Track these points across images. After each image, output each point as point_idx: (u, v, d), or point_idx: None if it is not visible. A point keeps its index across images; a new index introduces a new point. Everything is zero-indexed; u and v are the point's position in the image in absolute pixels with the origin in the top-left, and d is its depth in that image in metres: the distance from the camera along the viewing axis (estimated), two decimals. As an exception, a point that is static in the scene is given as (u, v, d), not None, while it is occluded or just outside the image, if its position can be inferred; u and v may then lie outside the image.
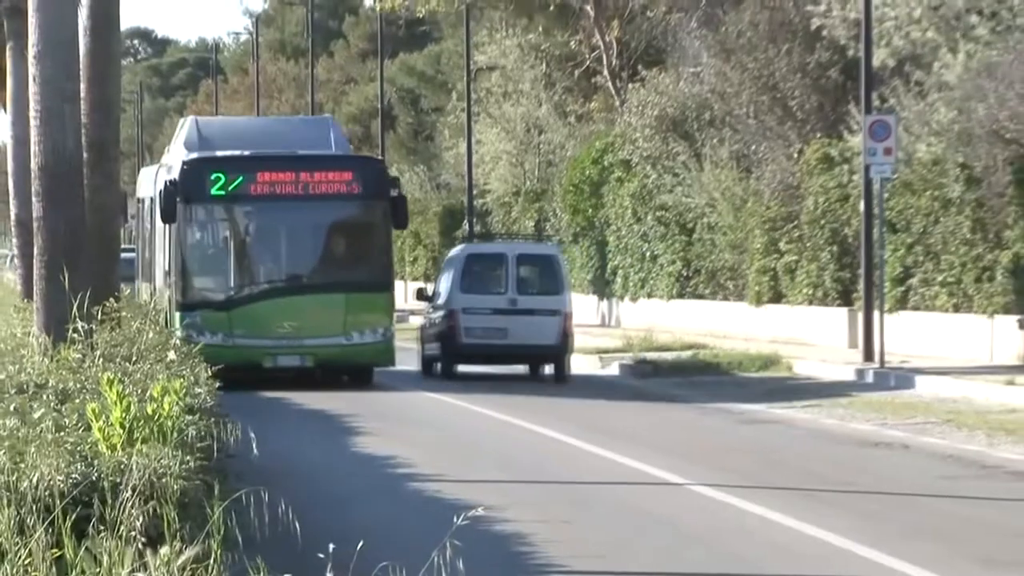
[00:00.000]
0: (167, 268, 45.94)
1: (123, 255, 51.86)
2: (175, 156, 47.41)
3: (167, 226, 43.96)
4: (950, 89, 52.69)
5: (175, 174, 43.39)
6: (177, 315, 42.94)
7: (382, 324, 43.74)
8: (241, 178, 42.59)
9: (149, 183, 53.18)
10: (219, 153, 44.26)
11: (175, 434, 15.22)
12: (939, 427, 34.78)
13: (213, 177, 42.19)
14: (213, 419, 18.79)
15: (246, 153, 44.14)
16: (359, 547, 9.06)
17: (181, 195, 42.16)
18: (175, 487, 12.59)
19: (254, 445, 22.09)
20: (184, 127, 48.97)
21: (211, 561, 10.68)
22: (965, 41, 53.66)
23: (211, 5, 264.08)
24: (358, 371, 45.64)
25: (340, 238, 45.95)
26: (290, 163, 43.55)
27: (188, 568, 10.04)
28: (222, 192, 42.79)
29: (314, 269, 44.92)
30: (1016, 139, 48.11)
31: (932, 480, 28.18)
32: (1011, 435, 32.95)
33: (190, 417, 16.56)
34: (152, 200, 51.76)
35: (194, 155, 43.83)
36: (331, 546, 8.91)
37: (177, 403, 16.05)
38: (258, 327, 42.88)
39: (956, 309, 49.84)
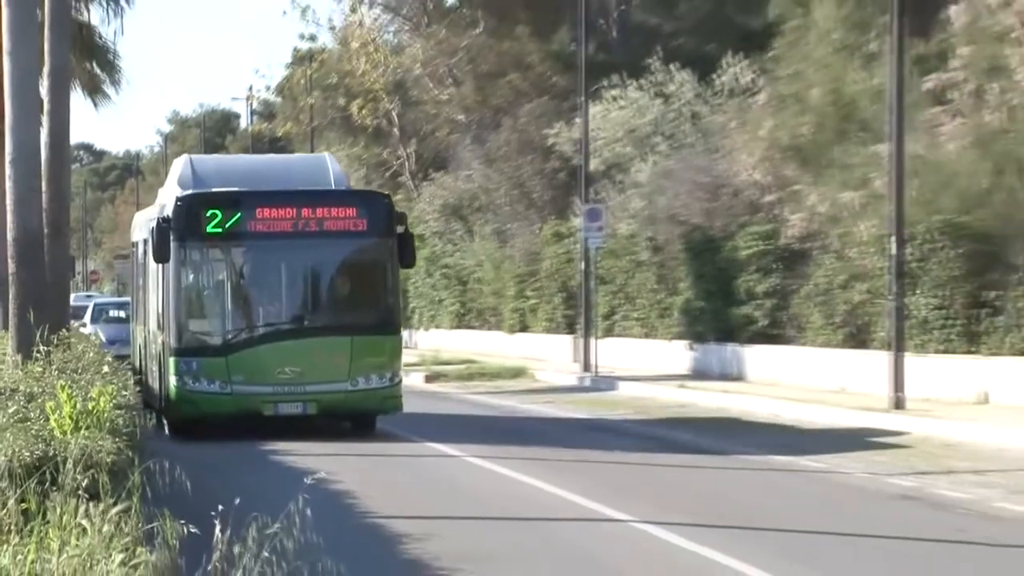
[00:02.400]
0: (160, 311, 32.48)
1: (73, 302, 47.48)
2: (168, 194, 33.70)
3: (160, 267, 31.48)
4: (641, 186, 52.89)
5: (169, 211, 31.09)
6: (171, 362, 30.23)
7: (390, 369, 30.45)
8: (239, 215, 30.07)
9: (143, 226, 37.74)
10: (215, 189, 31.70)
11: (108, 423, 15.14)
12: (633, 415, 34.90)
13: (209, 214, 30.00)
14: (135, 413, 18.48)
15: (243, 189, 31.47)
16: (236, 502, 8.86)
17: (175, 233, 30.07)
18: (108, 460, 12.61)
19: (167, 429, 21.92)
20: (178, 166, 34.71)
21: (131, 511, 10.43)
22: (651, 154, 53.90)
23: (134, 127, 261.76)
24: (362, 417, 31.40)
25: (344, 278, 31.90)
26: (290, 199, 30.77)
27: (117, 516, 9.89)
28: (218, 230, 30.25)
29: (317, 311, 31.20)
30: (685, 220, 48.31)
31: (620, 448, 28.70)
32: (676, 421, 33.24)
33: (119, 411, 16.31)
34: (145, 242, 36.28)
35: (188, 192, 31.62)
36: (219, 507, 8.74)
37: (109, 402, 15.93)
38: (258, 373, 29.78)
39: (646, 336, 50.06)
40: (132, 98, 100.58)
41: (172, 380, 29.38)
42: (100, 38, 47.59)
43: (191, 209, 29.76)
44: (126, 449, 14.15)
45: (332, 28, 75.70)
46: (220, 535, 8.39)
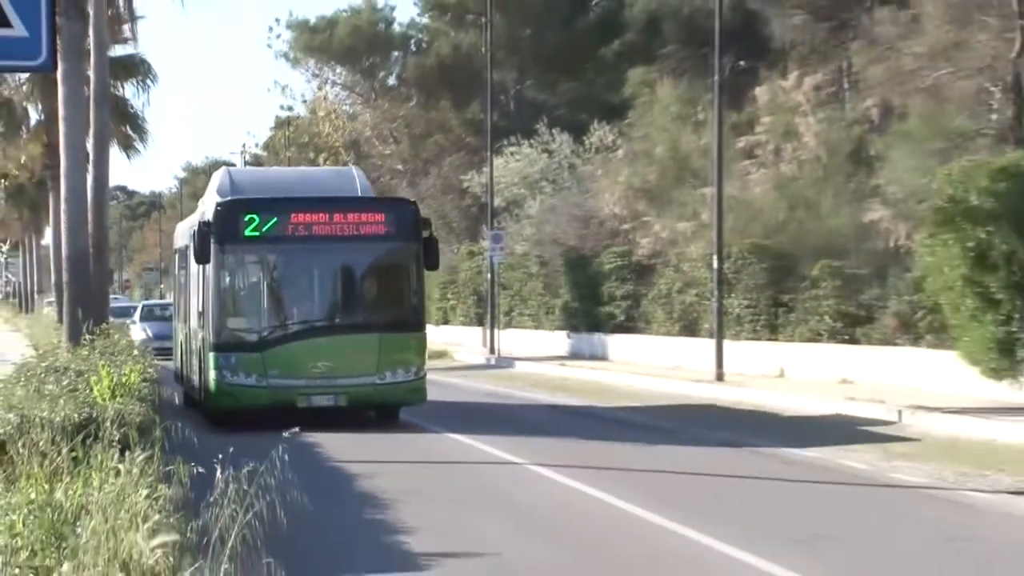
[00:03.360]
0: (201, 310, 26.86)
1: (112, 304, 46.57)
2: (209, 202, 27.97)
3: (201, 268, 26.25)
4: (532, 218, 52.97)
5: (209, 216, 26.04)
6: (211, 356, 25.07)
7: (415, 364, 25.24)
8: (275, 219, 25.17)
9: (184, 234, 32.00)
10: (253, 196, 26.46)
11: (136, 392, 15.04)
12: (525, 387, 34.76)
13: (247, 218, 25.17)
14: (157, 384, 18.63)
15: (279, 196, 26.40)
16: (230, 451, 8.82)
17: (215, 236, 25.16)
18: (136, 420, 12.52)
19: (176, 398, 20.95)
20: (217, 178, 29.16)
21: (154, 458, 10.44)
22: (539, 194, 54.00)
23: (157, 172, 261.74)
24: (386, 409, 25.82)
25: (373, 279, 26.54)
26: (323, 205, 25.70)
27: (143, 462, 9.88)
28: (256, 233, 25.24)
29: (347, 310, 25.66)
30: (564, 243, 48.47)
31: (516, 411, 28.12)
32: (559, 390, 33.02)
33: (144, 384, 16.22)
34: (186, 248, 29.97)
35: (228, 198, 26.33)
36: (219, 456, 8.71)
37: (139, 377, 15.86)
38: (292, 368, 24.75)
39: (536, 328, 50.04)
40: (155, 151, 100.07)
41: (212, 374, 24.34)
42: (131, 108, 47.87)
43: (230, 214, 24.75)
44: (150, 411, 14.09)
45: (304, 101, 75.30)
46: (220, 475, 8.36)
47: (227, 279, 24.79)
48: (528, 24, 63.90)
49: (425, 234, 24.88)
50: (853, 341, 32.56)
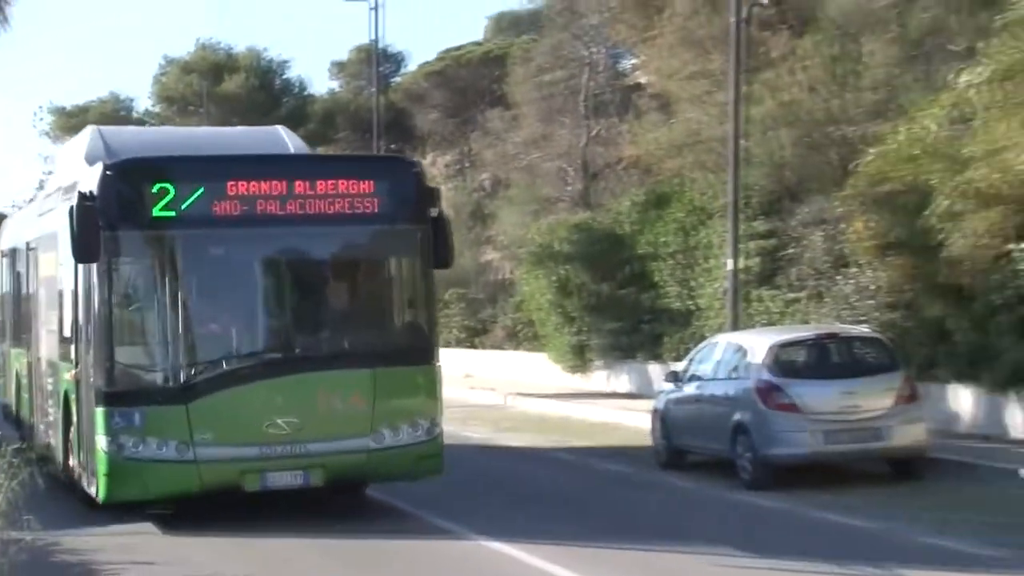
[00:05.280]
0: (72, 334, 11.28)
1: None
2: (80, 173, 11.60)
3: (75, 272, 10.93)
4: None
5: (93, 186, 10.19)
6: (99, 414, 10.22)
7: (426, 415, 10.72)
8: (200, 190, 10.16)
9: (19, 230, 16.20)
10: (162, 154, 11.03)
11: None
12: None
13: (156, 189, 10.04)
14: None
15: (206, 154, 11.27)
16: None
17: (105, 218, 10.01)
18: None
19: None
20: (82, 142, 12.79)
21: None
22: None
23: None
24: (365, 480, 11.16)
25: (358, 283, 11.28)
26: (278, 167, 10.72)
27: None
28: (170, 213, 10.06)
29: (320, 332, 10.85)
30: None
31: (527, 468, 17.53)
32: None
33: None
34: (28, 248, 14.63)
35: (121, 159, 10.68)
36: None
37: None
38: (236, 428, 10.15)
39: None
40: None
41: (101, 442, 10.85)
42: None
43: (128, 181, 10.95)
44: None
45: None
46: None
47: (124, 287, 11.08)
48: (236, 114, 62.64)
49: (433, 212, 11.47)
50: (474, 346, 32.99)
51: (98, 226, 10.55)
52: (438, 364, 11.41)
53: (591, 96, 31.13)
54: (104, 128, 13.71)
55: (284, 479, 10.97)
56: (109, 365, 10.74)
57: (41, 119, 70.80)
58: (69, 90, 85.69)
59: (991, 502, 11.64)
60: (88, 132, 13.33)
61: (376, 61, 31.91)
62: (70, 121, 69.81)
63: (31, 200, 22.04)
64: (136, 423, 10.64)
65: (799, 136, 19.38)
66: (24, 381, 15.25)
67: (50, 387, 13.16)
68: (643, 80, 29.32)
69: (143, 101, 69.00)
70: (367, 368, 11.00)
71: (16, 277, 16.32)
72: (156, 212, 10.69)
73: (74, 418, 11.71)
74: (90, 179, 11.03)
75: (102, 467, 10.70)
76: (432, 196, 11.51)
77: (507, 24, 43.44)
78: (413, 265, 11.59)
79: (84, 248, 10.61)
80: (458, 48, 43.79)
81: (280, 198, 10.97)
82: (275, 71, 55.53)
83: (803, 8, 20.63)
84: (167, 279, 11.01)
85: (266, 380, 10.88)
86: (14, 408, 16.34)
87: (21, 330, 15.56)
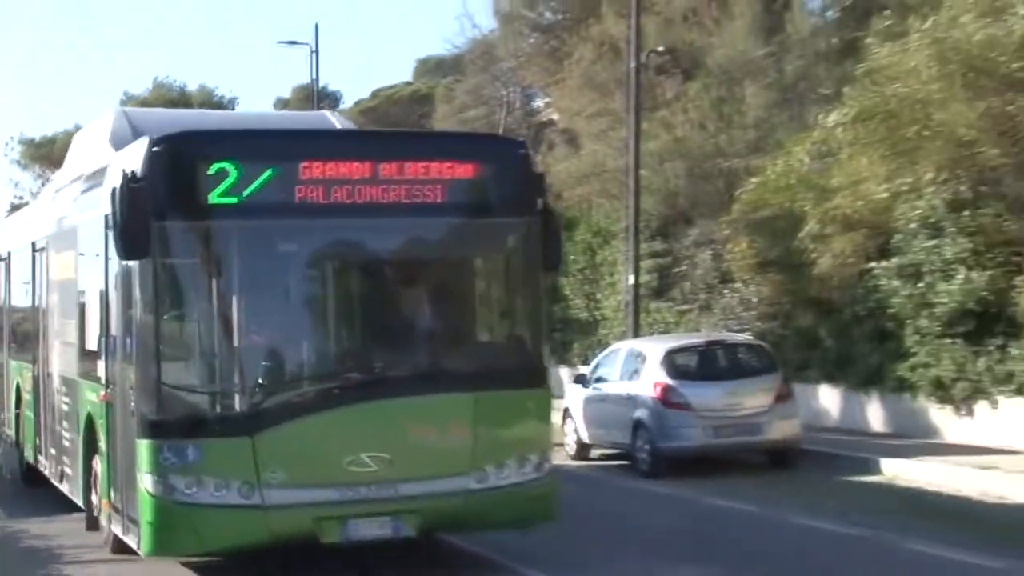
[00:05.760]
0: (102, 347, 7.79)
1: None
2: (103, 158, 8.30)
3: (108, 272, 7.47)
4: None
5: (138, 166, 6.44)
6: (146, 447, 6.57)
7: (535, 449, 7.09)
8: (269, 171, 6.39)
9: (18, 231, 12.66)
10: (225, 128, 8.15)
11: None
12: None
13: (214, 170, 6.28)
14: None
15: (275, 127, 8.50)
16: None
17: (152, 205, 6.32)
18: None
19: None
20: (106, 125, 9.07)
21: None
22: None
23: None
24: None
25: (457, 289, 7.45)
26: (363, 145, 7.03)
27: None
28: (232, 199, 6.35)
29: (415, 348, 7.11)
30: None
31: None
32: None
33: None
34: (34, 249, 11.19)
35: (171, 134, 6.61)
36: None
37: None
38: (313, 464, 6.50)
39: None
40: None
41: (147, 482, 7.17)
42: None
43: (182, 160, 7.08)
44: None
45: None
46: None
47: (176, 291, 7.55)
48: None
49: (540, 203, 8.17)
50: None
51: (147, 213, 7.08)
52: (549, 388, 8.21)
53: (507, 131, 31.86)
54: (130, 109, 10.81)
55: (370, 528, 7.49)
56: (158, 387, 7.19)
57: (12, 148, 70.67)
58: (37, 121, 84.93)
59: (852, 488, 12.04)
60: (111, 114, 9.97)
61: (316, 99, 32.20)
62: (39, 151, 69.79)
63: (11, 210, 16.92)
64: (191, 459, 7.14)
65: (689, 167, 20.12)
66: (28, 397, 12.00)
67: (65, 407, 9.90)
68: (553, 117, 30.01)
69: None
70: (468, 392, 7.59)
71: (16, 283, 13.03)
72: (215, 198, 7.17)
73: (101, 446, 8.47)
74: (130, 159, 7.55)
75: (147, 513, 7.30)
76: (541, 184, 8.15)
77: (433, 66, 44.12)
78: (521, 266, 8.02)
79: (131, 241, 7.13)
80: (390, 87, 44.36)
81: (367, 183, 7.43)
82: (225, 107, 55.56)
83: (692, 56, 21.41)
84: (229, 281, 7.43)
85: (349, 406, 7.40)
86: (12, 429, 13.09)
87: (24, 340, 12.42)
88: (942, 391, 14.22)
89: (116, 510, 8.16)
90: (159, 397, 7.13)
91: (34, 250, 11.62)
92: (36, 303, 11.67)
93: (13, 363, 13.10)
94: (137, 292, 7.41)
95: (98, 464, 8.68)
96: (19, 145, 70.24)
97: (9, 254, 13.44)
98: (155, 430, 7.14)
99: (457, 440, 7.53)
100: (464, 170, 7.64)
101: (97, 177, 8.72)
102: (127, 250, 7.17)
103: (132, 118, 9.58)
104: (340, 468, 7.25)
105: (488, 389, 7.58)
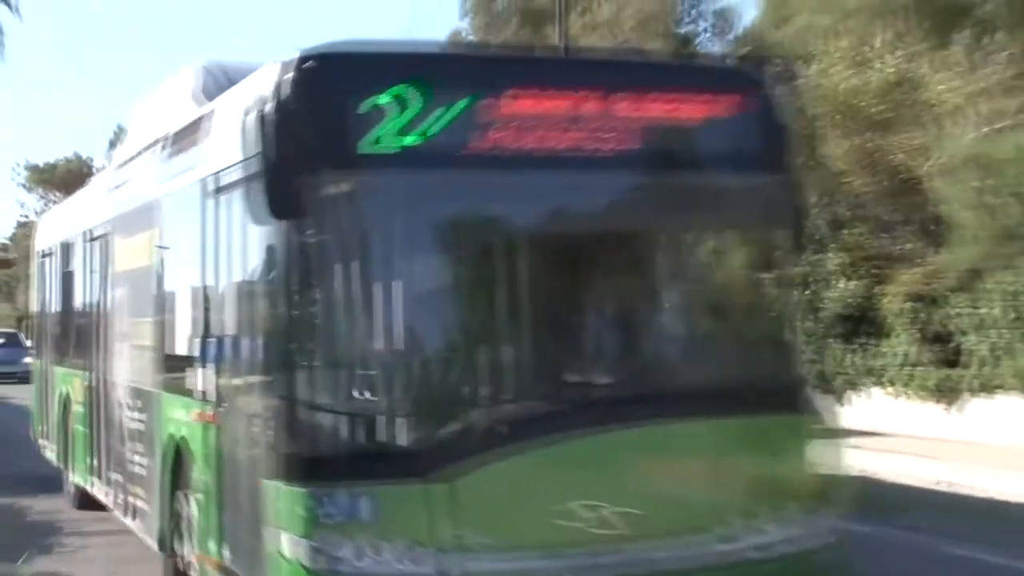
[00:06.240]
0: (199, 351, 4.51)
1: None
2: (193, 113, 4.91)
3: (218, 252, 4.09)
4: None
5: (283, 92, 2.78)
6: (292, 496, 3.03)
7: (818, 497, 3.29)
8: (464, 103, 2.92)
9: (71, 221, 9.06)
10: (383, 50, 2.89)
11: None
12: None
13: (385, 100, 2.79)
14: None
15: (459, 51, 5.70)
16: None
17: (307, 146, 2.78)
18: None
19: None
20: (183, 82, 5.62)
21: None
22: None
23: None
24: None
25: (715, 274, 3.58)
26: (587, 72, 3.14)
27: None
28: (414, 138, 2.89)
29: (660, 357, 3.41)
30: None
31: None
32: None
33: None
34: (91, 238, 7.68)
35: (322, 52, 2.82)
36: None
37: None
38: (531, 523, 2.96)
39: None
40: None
41: (293, 548, 3.68)
42: None
43: (341, 87, 3.38)
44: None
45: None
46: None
47: (332, 273, 4.01)
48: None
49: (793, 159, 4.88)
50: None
51: (291, 163, 4.24)
52: (815, 412, 5.22)
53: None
54: (220, 60, 7.09)
55: None
56: (306, 411, 4.38)
57: (19, 173, 73.38)
58: (41, 148, 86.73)
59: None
60: (192, 70, 7.11)
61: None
62: (42, 176, 72.66)
63: (19, 228, 15.45)
64: (362, 515, 4.29)
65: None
66: (79, 410, 9.05)
67: (138, 426, 7.14)
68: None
69: (99, 160, 70.27)
70: (733, 417, 4.74)
71: (64, 278, 10.09)
72: (382, 144, 4.35)
73: (198, 481, 5.73)
74: (260, 88, 4.58)
75: None
76: (792, 136, 5.27)
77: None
78: (778, 244, 5.16)
79: (283, 192, 4.26)
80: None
81: (598, 120, 4.64)
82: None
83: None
84: (413, 259, 4.67)
85: (582, 439, 4.52)
86: (58, 445, 10.06)
87: (73, 345, 9.51)
88: (825, 383, 15.82)
89: (226, 572, 5.25)
90: (313, 423, 4.30)
91: (90, 239, 8.86)
92: (91, 301, 8.86)
93: (59, 370, 10.05)
94: (279, 274, 4.39)
95: (192, 505, 5.81)
96: (25, 171, 73.24)
97: (51, 250, 10.66)
98: (307, 472, 4.24)
99: (727, 484, 4.63)
100: (724, 107, 4.85)
101: (189, 134, 6.00)
102: (280, 208, 4.23)
103: (228, 69, 6.63)
104: (570, 527, 4.35)
105: (756, 413, 4.72)
